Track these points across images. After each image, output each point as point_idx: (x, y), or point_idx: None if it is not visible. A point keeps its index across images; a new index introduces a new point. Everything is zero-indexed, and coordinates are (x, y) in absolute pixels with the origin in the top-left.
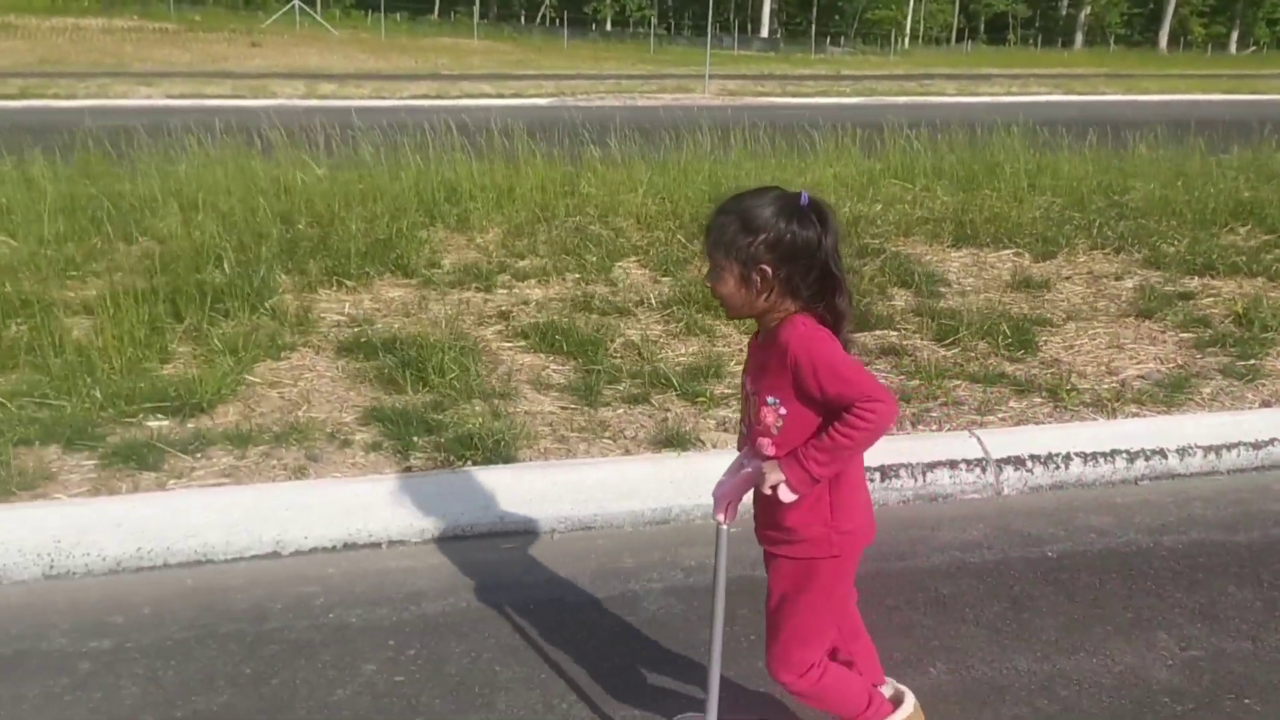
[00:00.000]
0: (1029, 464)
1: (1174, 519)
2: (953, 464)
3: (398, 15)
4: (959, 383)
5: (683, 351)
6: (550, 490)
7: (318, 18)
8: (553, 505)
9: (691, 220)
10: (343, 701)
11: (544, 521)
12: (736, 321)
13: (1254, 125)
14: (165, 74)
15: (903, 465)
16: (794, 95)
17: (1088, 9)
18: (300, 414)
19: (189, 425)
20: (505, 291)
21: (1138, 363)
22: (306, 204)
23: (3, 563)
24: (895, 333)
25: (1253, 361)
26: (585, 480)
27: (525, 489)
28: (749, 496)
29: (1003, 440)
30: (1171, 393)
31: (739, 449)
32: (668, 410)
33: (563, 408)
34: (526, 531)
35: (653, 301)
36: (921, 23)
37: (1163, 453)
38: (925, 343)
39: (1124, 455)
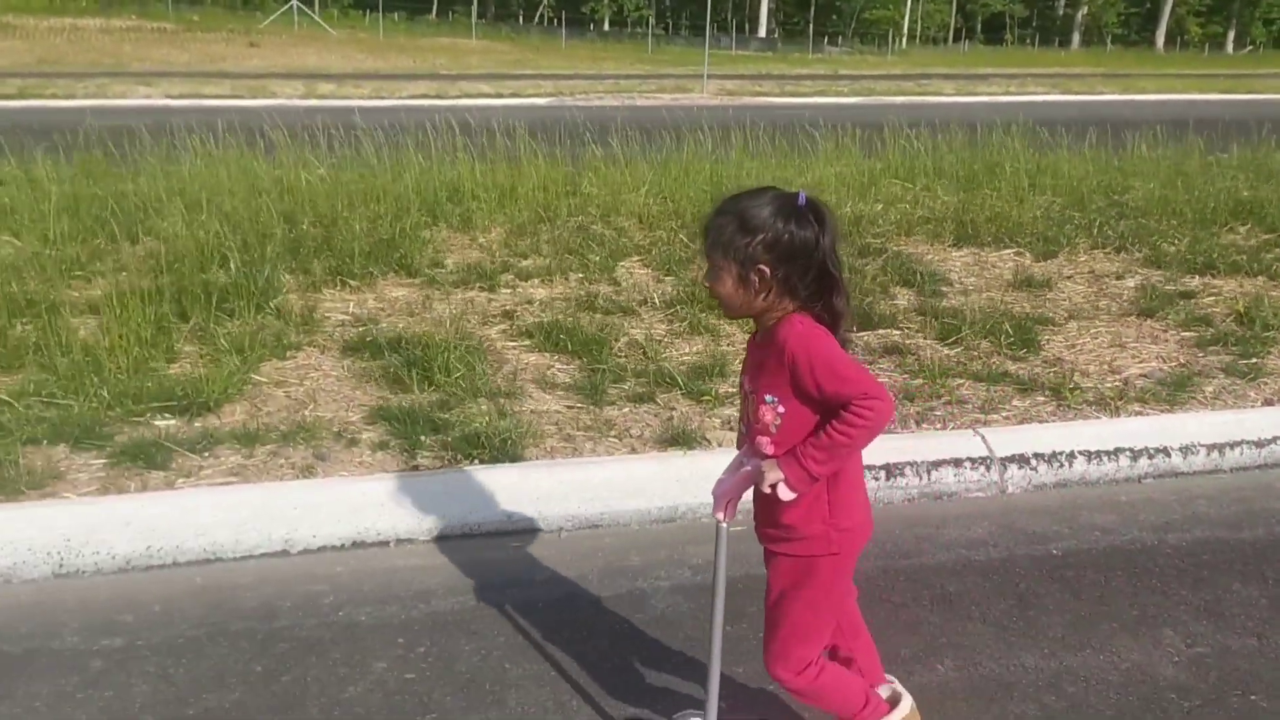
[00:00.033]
0: (1033, 462)
1: (1178, 517)
2: (957, 462)
3: (395, 15)
4: (962, 381)
5: (687, 351)
6: (557, 489)
7: (316, 18)
8: (559, 504)
9: (693, 220)
10: (354, 699)
11: (551, 520)
12: (739, 321)
13: (1252, 125)
14: (163, 74)
15: (908, 463)
16: (792, 95)
17: (1085, 9)
18: (307, 413)
19: (196, 424)
20: (509, 291)
21: (1140, 361)
22: (309, 204)
23: (12, 561)
24: (898, 332)
25: (1254, 360)
26: (592, 479)
27: (532, 488)
28: (749, 495)
29: (1007, 439)
30: (1174, 391)
31: (738, 448)
32: (673, 409)
33: (568, 407)
34: (534, 530)
35: (656, 301)
36: (919, 23)
37: (1166, 451)
38: (928, 342)
39: (1127, 453)
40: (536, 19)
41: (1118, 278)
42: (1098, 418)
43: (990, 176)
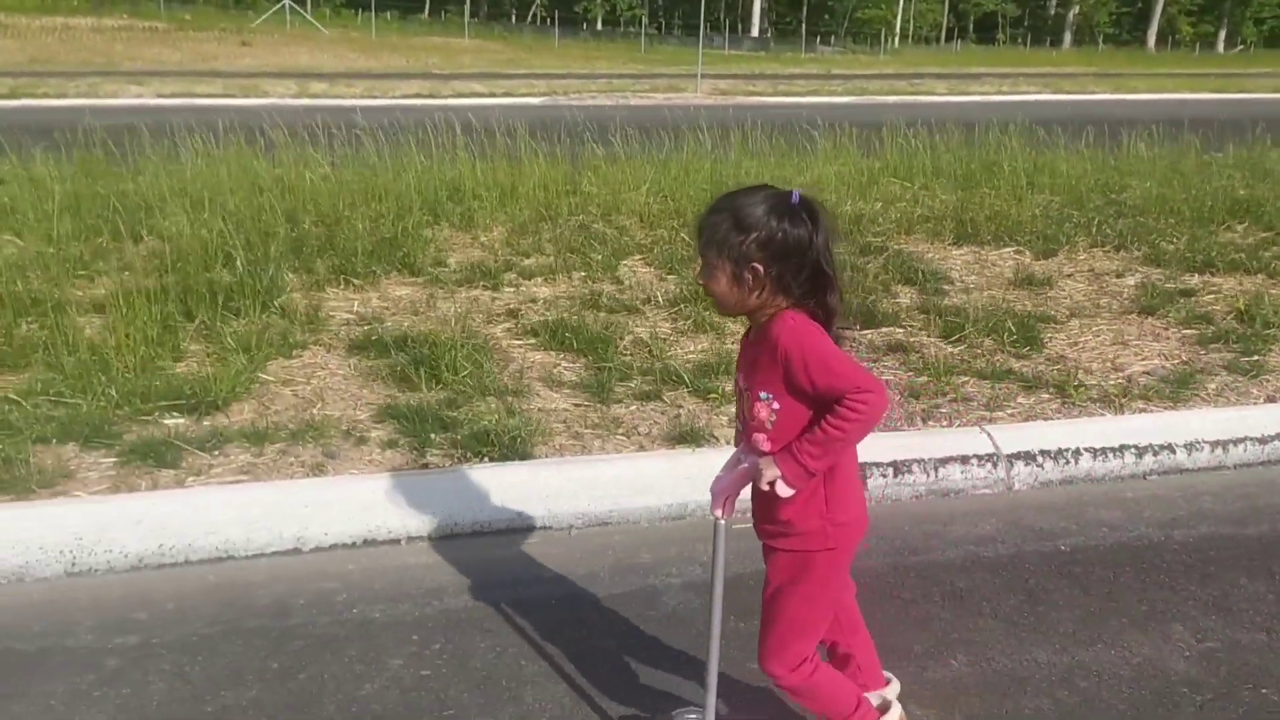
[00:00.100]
0: (1039, 459)
1: (1183, 513)
2: (964, 459)
3: (388, 14)
4: (967, 379)
5: (692, 349)
6: (566, 486)
7: (308, 17)
8: (569, 501)
9: (694, 219)
10: (371, 696)
11: (561, 517)
12: (741, 319)
13: (1246, 124)
14: (156, 73)
15: (915, 460)
16: (785, 95)
17: (1076, 8)
18: (315, 412)
19: (205, 423)
20: (512, 290)
21: (1142, 359)
22: (311, 203)
23: (25, 560)
24: (901, 330)
25: (1256, 358)
26: (601, 476)
27: (542, 485)
28: (747, 491)
29: (1013, 436)
30: (1177, 388)
31: (736, 445)
32: (680, 407)
33: (576, 405)
34: (544, 527)
35: (660, 299)
36: (911, 22)
37: (1170, 448)
38: (931, 340)
39: (1132, 450)
40: (529, 18)
41: (1118, 276)
42: (1102, 415)
43: (988, 175)
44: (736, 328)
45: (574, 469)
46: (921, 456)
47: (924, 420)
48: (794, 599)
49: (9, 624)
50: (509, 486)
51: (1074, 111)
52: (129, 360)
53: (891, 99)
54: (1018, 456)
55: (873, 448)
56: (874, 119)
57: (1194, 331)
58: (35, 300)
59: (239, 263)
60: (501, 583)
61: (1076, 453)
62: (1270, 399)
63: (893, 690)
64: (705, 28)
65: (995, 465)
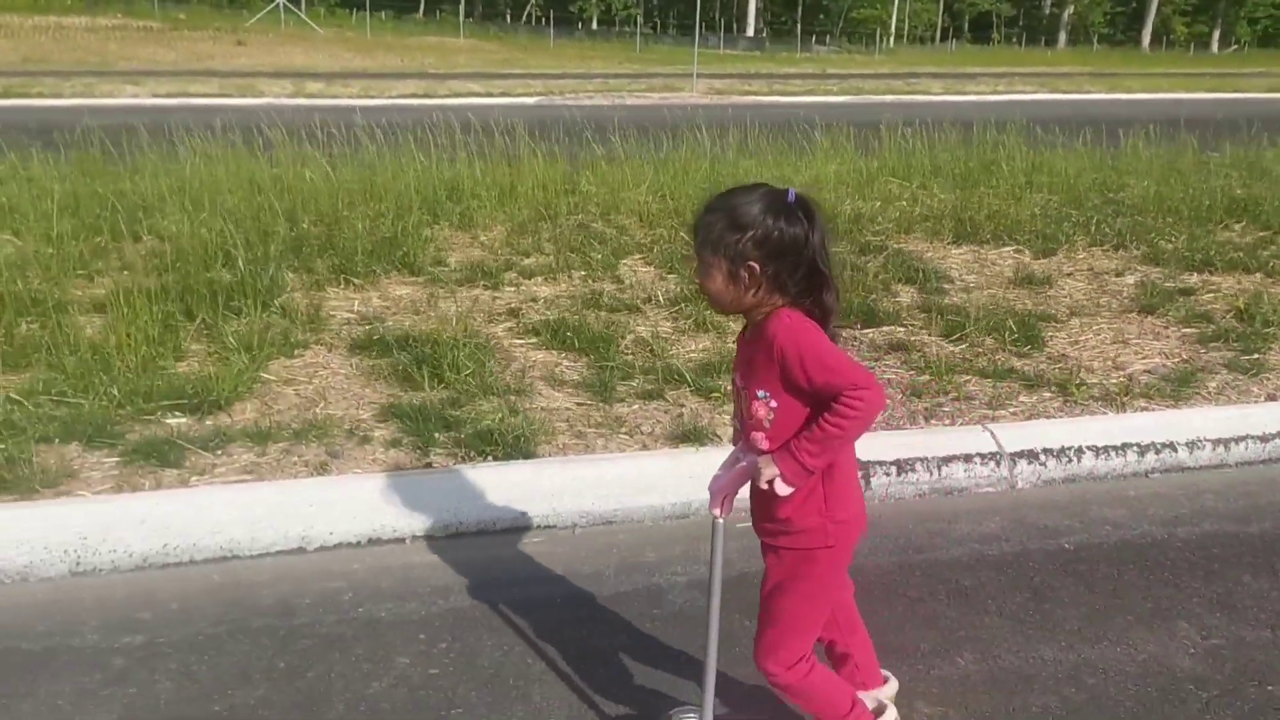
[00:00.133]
0: (1042, 457)
1: (1186, 511)
2: (967, 458)
3: (383, 14)
4: (969, 378)
5: (693, 348)
6: (570, 485)
7: (303, 16)
8: (573, 500)
9: (693, 218)
10: (379, 694)
11: (565, 516)
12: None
13: (1241, 123)
14: (151, 73)
15: (918, 459)
16: (781, 94)
17: (1071, 8)
18: (318, 411)
19: (208, 422)
20: (513, 289)
21: (1143, 357)
22: (312, 202)
23: (29, 560)
24: (902, 329)
25: (1256, 356)
26: (605, 476)
27: (546, 484)
28: (745, 490)
29: (1015, 434)
30: (1178, 387)
31: (734, 443)
32: (682, 406)
33: (578, 404)
34: (549, 526)
35: (660, 298)
36: (906, 22)
37: (1172, 446)
38: (933, 338)
39: (1135, 448)
40: (524, 18)
41: (1117, 275)
42: (1104, 413)
43: (986, 174)
44: (738, 327)
45: (578, 468)
46: (925, 455)
47: (926, 419)
48: (792, 597)
49: (14, 624)
50: (513, 485)
51: (1070, 111)
52: (130, 360)
53: (887, 98)
54: (1021, 455)
55: (876, 446)
56: (870, 118)
57: (1194, 330)
58: (35, 300)
59: (240, 262)
60: (507, 581)
61: (1079, 451)
62: (1271, 397)
63: (890, 689)
64: (700, 27)
65: (998, 463)
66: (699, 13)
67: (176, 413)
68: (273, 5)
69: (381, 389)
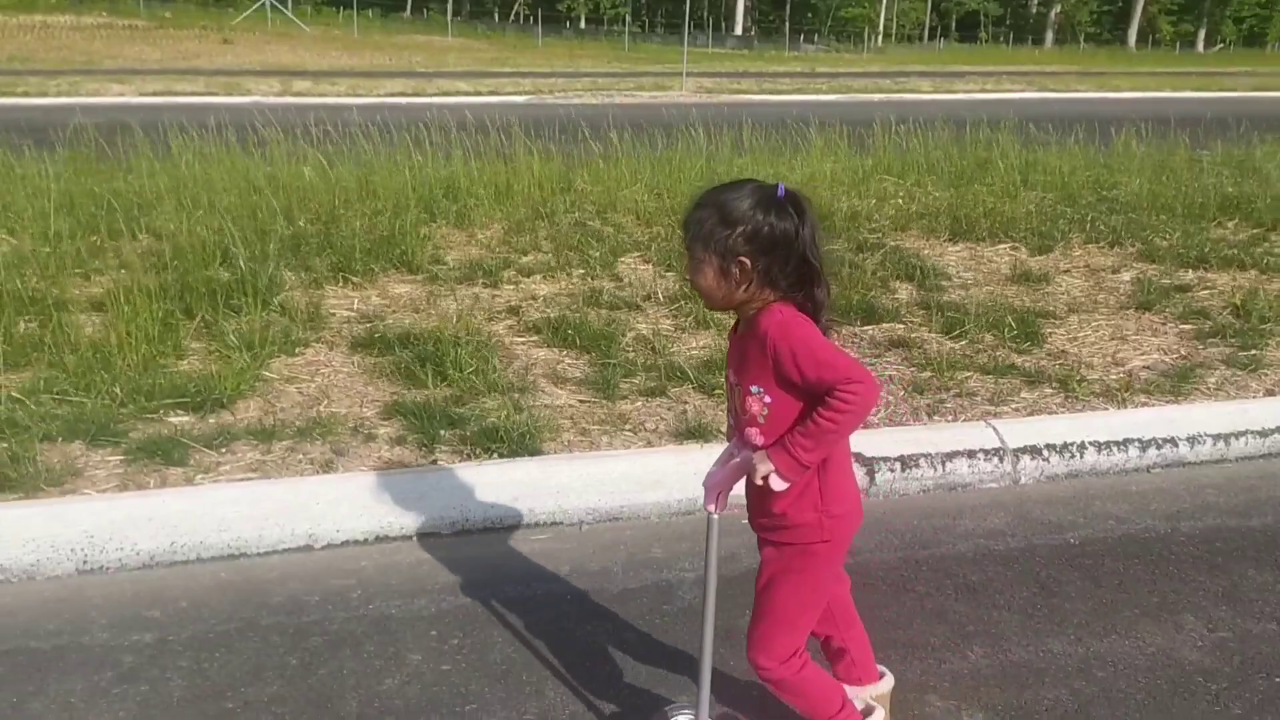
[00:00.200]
0: (1045, 453)
1: (1188, 505)
2: (971, 454)
3: (370, 12)
4: (970, 374)
5: (694, 345)
6: (576, 482)
7: (289, 14)
8: (579, 497)
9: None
10: (392, 691)
11: (572, 513)
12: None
13: (1230, 121)
14: (137, 71)
15: (922, 455)
16: (771, 93)
17: (1058, 7)
18: (321, 409)
19: (211, 421)
20: (512, 287)
21: (1142, 354)
22: (306, 201)
23: (36, 559)
24: (902, 326)
25: (1254, 352)
26: (611, 472)
27: (552, 481)
28: (740, 486)
29: (1018, 430)
30: (1177, 383)
31: (729, 439)
32: (685, 403)
33: (581, 401)
34: (555, 523)
35: (660, 296)
36: (894, 20)
37: (1174, 441)
38: (932, 335)
39: (1136, 444)
40: (512, 16)
41: (1113, 271)
42: (1105, 409)
43: (981, 172)
44: None
45: (583, 465)
46: (929, 451)
47: (929, 415)
48: (787, 591)
49: (23, 622)
50: (519, 482)
51: (1060, 109)
52: (131, 358)
53: (877, 97)
54: (1024, 450)
55: (880, 442)
56: (861, 117)
57: (1191, 326)
58: (33, 298)
59: (240, 260)
60: (516, 578)
61: (1081, 447)
62: (1270, 392)
63: (886, 684)
64: (689, 26)
65: (1002, 459)
66: (688, 11)
67: (179, 411)
68: (259, 4)
69: (384, 387)
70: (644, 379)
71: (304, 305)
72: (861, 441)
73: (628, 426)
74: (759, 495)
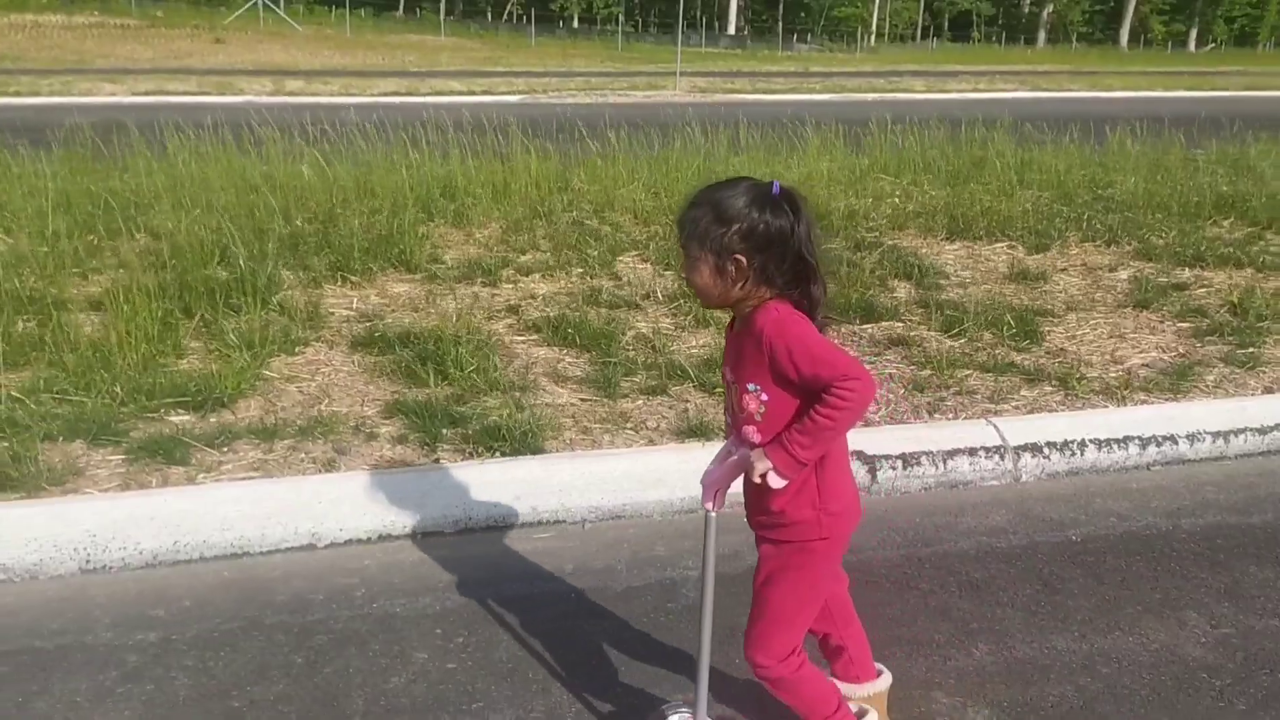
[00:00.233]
0: (1045, 451)
1: (1189, 503)
2: (972, 451)
3: (362, 12)
4: (969, 372)
5: (694, 344)
6: (579, 481)
7: (281, 13)
8: (581, 495)
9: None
10: (399, 689)
11: (575, 511)
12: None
13: (1223, 120)
14: (129, 71)
15: (924, 453)
16: (765, 92)
17: (1050, 7)
18: (322, 408)
19: (212, 420)
20: (511, 286)
21: (1140, 351)
22: (304, 200)
23: (39, 558)
24: (901, 324)
25: (1252, 350)
26: (613, 471)
27: (555, 480)
28: (738, 484)
29: (1019, 428)
30: (1176, 381)
31: (726, 437)
32: (687, 401)
33: (582, 399)
34: (558, 521)
35: (659, 295)
36: (887, 20)
37: (1173, 439)
38: (932, 333)
39: (1136, 441)
40: (505, 16)
41: (1110, 270)
42: (1105, 407)
43: (977, 171)
44: None
45: (586, 463)
46: (930, 449)
47: (929, 413)
48: (785, 589)
49: (26, 622)
50: (521, 481)
51: (1053, 109)
52: (131, 357)
53: (871, 96)
54: (1024, 448)
55: (881, 440)
56: (855, 116)
57: (1188, 325)
58: (31, 298)
59: (240, 259)
60: (520, 576)
61: (1082, 444)
62: (1268, 390)
63: (884, 682)
64: (682, 25)
65: (1003, 457)
66: (681, 11)
67: (180, 410)
68: (251, 3)
69: (385, 386)
70: (645, 377)
71: (303, 304)
72: (863, 439)
73: (629, 425)
74: (757, 493)
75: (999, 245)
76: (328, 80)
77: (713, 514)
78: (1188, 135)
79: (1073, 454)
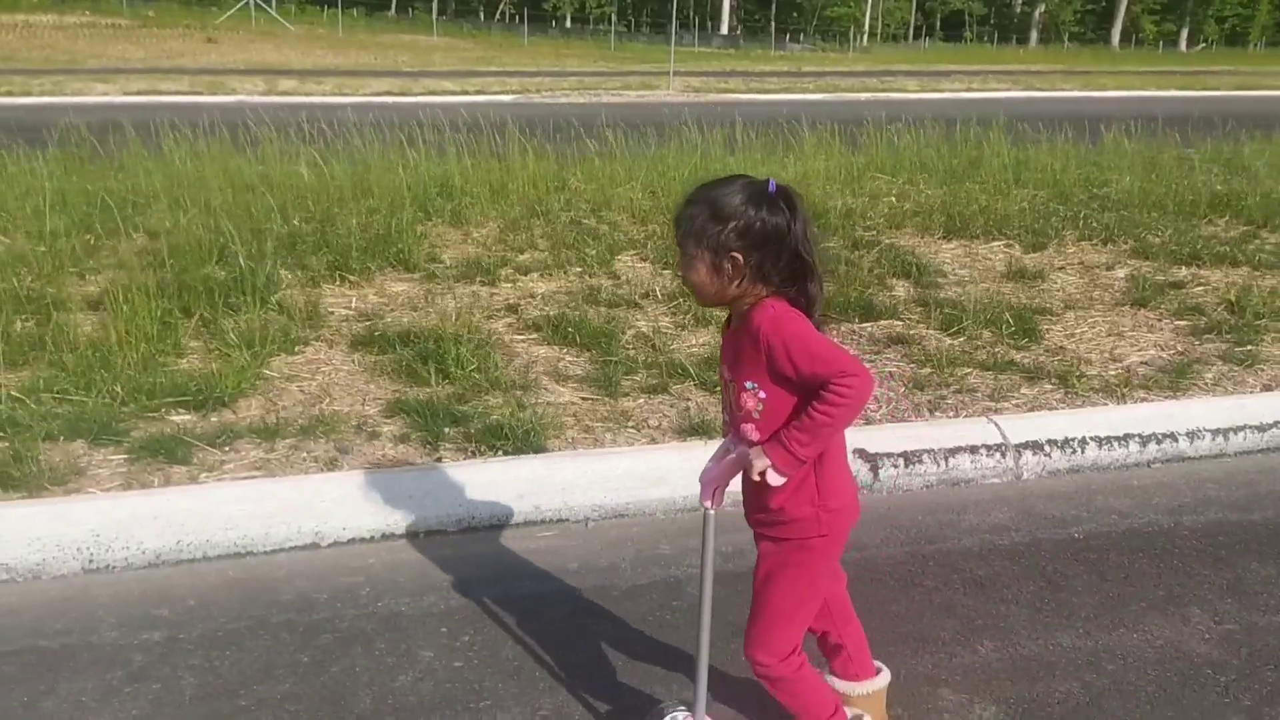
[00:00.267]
0: (1046, 448)
1: (1190, 500)
2: (973, 449)
3: (354, 11)
4: (969, 370)
5: (694, 342)
6: (581, 479)
7: (273, 13)
8: (584, 494)
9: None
10: (406, 687)
11: (578, 510)
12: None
13: (1216, 120)
14: (120, 70)
15: (925, 451)
16: (758, 92)
17: (1042, 7)
18: (323, 407)
19: (213, 419)
20: (510, 285)
21: (1139, 350)
22: (301, 199)
23: (41, 558)
24: (900, 323)
25: (1250, 347)
26: (616, 469)
27: (557, 478)
28: (736, 481)
29: (1020, 426)
30: (1175, 378)
31: (724, 435)
32: (688, 400)
33: (584, 398)
34: (561, 520)
35: (658, 294)
36: (879, 20)
37: (1173, 436)
38: (931, 332)
39: (1136, 439)
40: (497, 15)
41: (1108, 268)
42: (1105, 404)
43: (973, 170)
44: None
45: (588, 462)
46: (931, 447)
47: (930, 411)
48: (784, 586)
49: (30, 622)
50: (524, 479)
51: (1046, 108)
52: (130, 357)
53: (864, 96)
54: (1026, 446)
55: (883, 438)
56: (849, 115)
57: (1186, 323)
58: (29, 297)
59: (240, 259)
60: (524, 574)
61: (1082, 442)
62: (1267, 387)
63: (883, 680)
64: (675, 25)
65: (1004, 455)
66: (674, 10)
67: (181, 409)
68: (242, 3)
69: (386, 385)
70: (645, 376)
71: (302, 304)
72: (865, 438)
73: (631, 423)
74: (755, 490)
75: (996, 244)
76: (320, 80)
77: (711, 512)
78: (1181, 134)
79: (1074, 451)
